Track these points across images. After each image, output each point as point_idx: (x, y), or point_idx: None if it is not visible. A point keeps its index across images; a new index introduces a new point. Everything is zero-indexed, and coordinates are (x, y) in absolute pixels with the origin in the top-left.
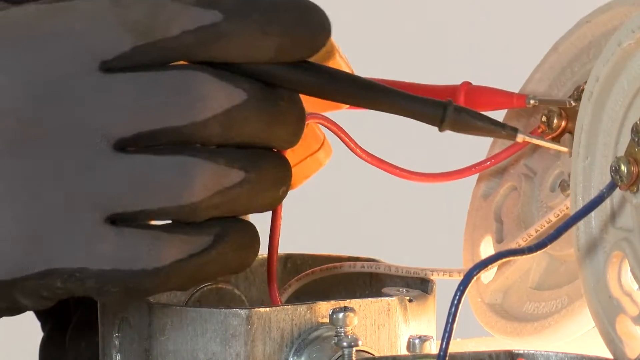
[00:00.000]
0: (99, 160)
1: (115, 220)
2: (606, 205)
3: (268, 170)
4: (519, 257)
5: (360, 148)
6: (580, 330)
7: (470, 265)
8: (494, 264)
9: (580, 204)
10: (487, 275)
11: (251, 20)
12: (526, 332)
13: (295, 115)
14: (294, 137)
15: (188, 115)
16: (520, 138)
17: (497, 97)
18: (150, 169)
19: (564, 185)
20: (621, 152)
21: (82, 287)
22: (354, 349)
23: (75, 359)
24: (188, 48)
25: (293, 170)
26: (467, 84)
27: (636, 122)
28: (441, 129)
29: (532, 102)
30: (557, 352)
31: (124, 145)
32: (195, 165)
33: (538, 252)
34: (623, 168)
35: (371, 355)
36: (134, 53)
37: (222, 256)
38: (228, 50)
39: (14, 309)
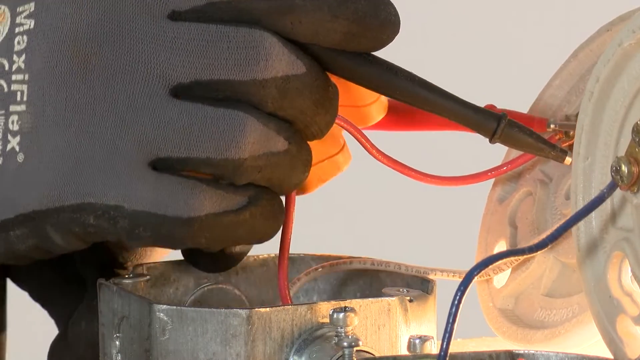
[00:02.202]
0: (153, 102)
1: (157, 166)
2: (607, 205)
3: (305, 148)
4: (531, 263)
5: (377, 149)
6: (590, 340)
7: None
8: (494, 264)
9: (581, 204)
10: (499, 280)
11: (324, 0)
12: (536, 340)
13: (335, 106)
14: (327, 128)
15: (250, 71)
16: (568, 161)
17: (518, 120)
18: (203, 118)
19: None
20: (622, 152)
21: (114, 226)
22: (355, 349)
23: (75, 340)
24: (259, 13)
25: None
26: (490, 107)
27: (637, 122)
28: (492, 141)
29: (552, 126)
30: (557, 352)
31: (180, 92)
32: (248, 122)
33: (538, 252)
34: (624, 168)
35: (371, 356)
36: (206, 8)
37: (253, 220)
38: (297, 26)
39: (44, 248)
